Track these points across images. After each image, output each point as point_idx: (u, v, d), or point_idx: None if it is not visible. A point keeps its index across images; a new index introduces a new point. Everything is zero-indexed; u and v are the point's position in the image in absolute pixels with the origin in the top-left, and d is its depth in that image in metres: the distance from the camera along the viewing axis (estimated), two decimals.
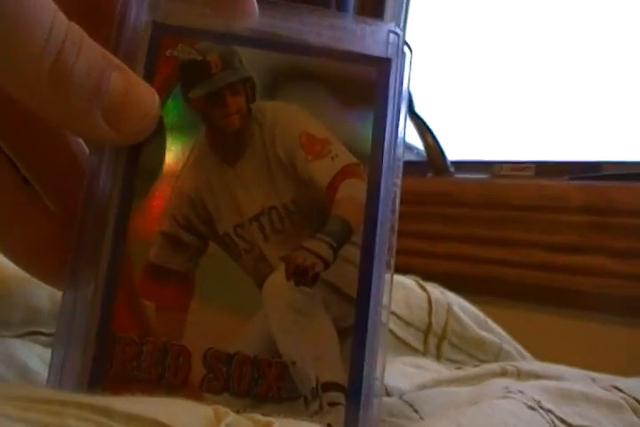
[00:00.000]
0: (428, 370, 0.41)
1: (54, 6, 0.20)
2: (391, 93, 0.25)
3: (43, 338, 0.32)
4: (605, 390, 0.31)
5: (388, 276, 0.24)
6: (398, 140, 0.25)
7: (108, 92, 0.21)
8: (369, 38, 0.25)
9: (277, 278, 0.23)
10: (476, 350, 0.49)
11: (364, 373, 0.23)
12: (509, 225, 0.96)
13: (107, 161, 0.23)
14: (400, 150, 0.25)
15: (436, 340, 0.47)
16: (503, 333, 0.52)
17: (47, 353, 0.29)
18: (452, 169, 1.14)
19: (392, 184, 0.24)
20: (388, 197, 0.24)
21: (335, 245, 0.23)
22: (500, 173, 1.12)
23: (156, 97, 0.23)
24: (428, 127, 1.14)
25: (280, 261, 0.23)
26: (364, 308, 0.23)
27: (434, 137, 1.14)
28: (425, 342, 0.47)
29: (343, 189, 0.24)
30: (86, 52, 0.21)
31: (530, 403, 0.27)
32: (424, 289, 0.49)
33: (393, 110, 0.25)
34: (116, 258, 0.23)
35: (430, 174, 1.15)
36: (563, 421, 0.27)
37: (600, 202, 0.89)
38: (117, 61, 0.22)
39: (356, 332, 0.23)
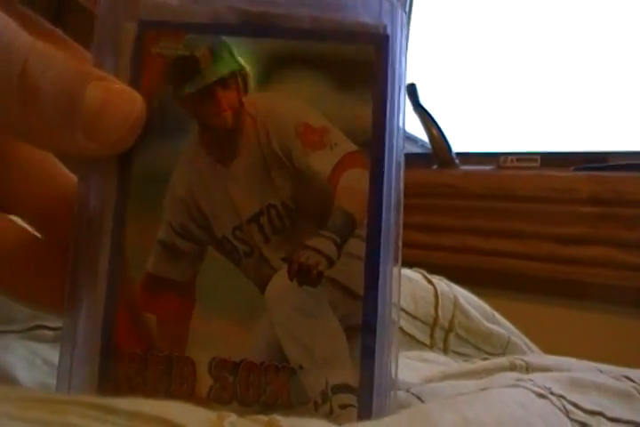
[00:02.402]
0: (435, 363, 0.41)
1: (15, 26, 0.20)
2: (390, 71, 0.23)
3: (47, 333, 0.32)
4: (616, 379, 0.31)
5: (395, 271, 0.22)
6: (400, 121, 0.23)
7: (83, 105, 0.21)
8: (361, 9, 0.23)
9: (280, 280, 0.22)
10: (483, 343, 0.48)
11: (375, 372, 0.22)
12: (515, 217, 0.96)
13: (97, 173, 0.23)
14: (402, 132, 0.23)
15: (443, 333, 0.47)
16: (510, 325, 0.52)
17: (50, 353, 0.30)
18: (456, 161, 1.14)
19: (395, 171, 0.23)
20: (391, 185, 0.23)
21: (339, 240, 0.22)
22: (506, 164, 1.12)
23: (140, 103, 0.22)
24: (432, 119, 1.14)
25: (282, 263, 0.22)
26: (371, 304, 0.22)
27: (439, 129, 1.14)
28: (432, 335, 0.46)
29: (345, 179, 0.22)
30: (55, 65, 0.20)
31: (539, 390, 0.26)
32: (430, 282, 0.48)
33: (393, 89, 0.23)
34: (114, 271, 0.22)
35: (435, 166, 1.15)
36: (575, 405, 0.27)
37: (607, 192, 0.88)
38: (96, 72, 0.21)
39: (364, 330, 0.22)
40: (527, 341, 0.52)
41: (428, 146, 1.16)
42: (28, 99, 0.20)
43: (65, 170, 0.25)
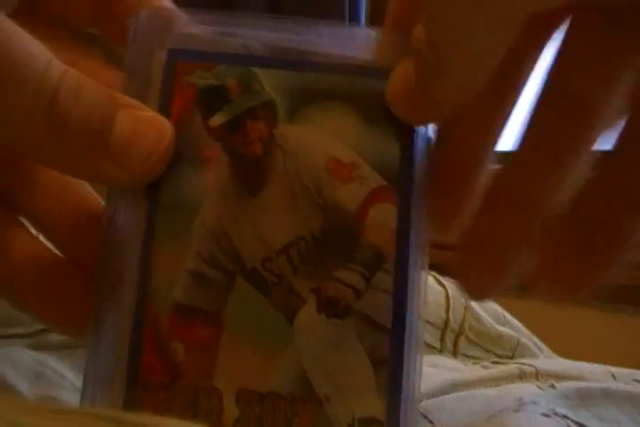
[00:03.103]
0: (444, 368, 0.41)
1: (48, 54, 0.20)
2: None
3: (53, 337, 0.32)
4: (626, 384, 0.30)
5: (422, 303, 0.23)
6: (426, 154, 0.23)
7: (112, 134, 0.21)
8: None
9: (308, 312, 0.22)
10: (493, 346, 0.48)
11: (402, 405, 0.22)
12: None
13: (125, 200, 0.23)
14: (427, 166, 0.23)
15: (453, 336, 0.47)
16: (520, 325, 0.52)
17: (59, 364, 0.30)
18: None
19: (421, 204, 0.23)
20: (419, 219, 0.23)
21: (367, 274, 0.22)
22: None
23: (170, 132, 0.22)
24: None
25: (310, 294, 0.22)
26: (398, 337, 0.22)
27: None
28: (442, 338, 0.46)
29: (373, 214, 0.23)
30: (86, 94, 0.20)
31: (544, 411, 0.26)
32: (442, 285, 0.48)
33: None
34: (141, 300, 0.22)
35: None
36: (580, 425, 0.27)
37: None
38: (125, 99, 0.22)
39: (391, 362, 0.22)
40: (537, 341, 0.52)
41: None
42: (57, 127, 0.20)
43: (92, 192, 0.25)
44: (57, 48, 0.21)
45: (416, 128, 0.23)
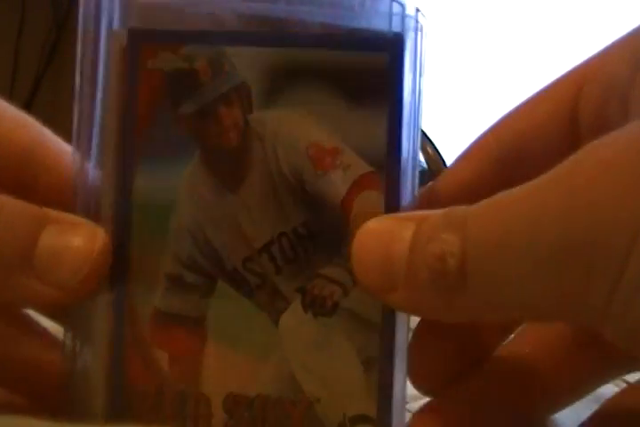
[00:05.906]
0: None
1: None
2: (406, 80, 0.21)
3: None
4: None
5: None
6: (416, 137, 0.21)
7: (35, 253, 0.20)
8: (369, 12, 0.21)
9: (294, 312, 0.21)
10: None
11: (393, 402, 0.21)
12: None
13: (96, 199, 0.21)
14: (417, 149, 0.22)
15: None
16: None
17: None
18: None
19: (411, 191, 0.21)
20: (407, 205, 0.21)
21: None
22: None
23: (101, 240, 0.20)
24: (427, 137, 1.13)
25: (296, 293, 0.21)
26: (389, 333, 0.21)
27: (434, 147, 1.13)
28: None
29: (358, 203, 0.21)
30: (5, 214, 0.20)
31: None
32: None
33: (410, 101, 0.21)
34: (119, 309, 0.21)
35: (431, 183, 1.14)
36: None
37: None
38: (52, 214, 0.21)
39: (381, 360, 0.21)
40: None
41: (424, 165, 1.16)
42: None
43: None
44: None
45: (404, 105, 0.21)
